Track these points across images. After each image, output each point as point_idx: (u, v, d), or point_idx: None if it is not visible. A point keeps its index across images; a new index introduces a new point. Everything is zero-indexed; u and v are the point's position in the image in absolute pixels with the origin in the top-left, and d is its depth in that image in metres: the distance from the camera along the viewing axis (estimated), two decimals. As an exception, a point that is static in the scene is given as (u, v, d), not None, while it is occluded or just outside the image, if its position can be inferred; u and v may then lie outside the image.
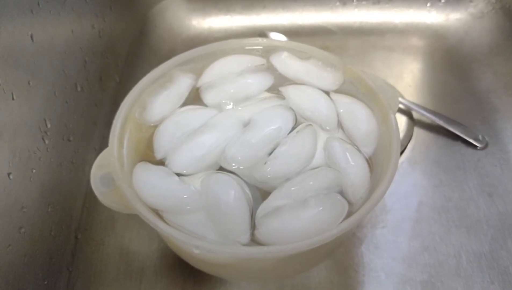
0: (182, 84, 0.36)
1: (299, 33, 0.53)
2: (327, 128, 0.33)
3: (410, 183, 0.40)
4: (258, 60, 0.37)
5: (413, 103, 0.45)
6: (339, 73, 0.36)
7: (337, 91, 0.35)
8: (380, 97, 0.33)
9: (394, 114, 0.32)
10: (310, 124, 0.33)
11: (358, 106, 0.34)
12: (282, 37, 0.52)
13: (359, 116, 0.33)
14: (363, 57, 0.51)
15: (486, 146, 0.42)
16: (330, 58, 0.36)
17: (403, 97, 0.46)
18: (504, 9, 0.51)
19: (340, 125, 0.34)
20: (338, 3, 0.54)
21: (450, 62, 0.50)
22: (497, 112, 0.45)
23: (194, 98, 0.35)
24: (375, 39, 0.53)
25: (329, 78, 0.36)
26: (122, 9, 0.47)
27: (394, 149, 0.29)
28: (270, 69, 0.37)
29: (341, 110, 0.34)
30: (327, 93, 0.35)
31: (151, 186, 0.28)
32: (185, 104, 0.35)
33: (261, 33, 0.52)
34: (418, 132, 0.44)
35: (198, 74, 0.36)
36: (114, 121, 0.31)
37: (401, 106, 0.45)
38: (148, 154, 0.31)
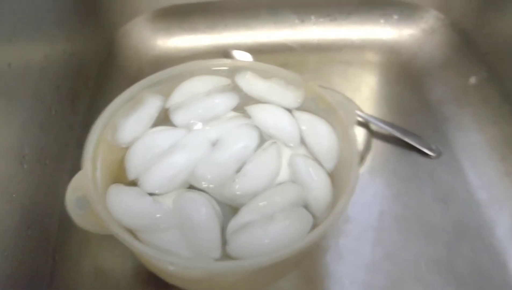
0: (152, 106, 0.37)
1: (261, 50, 0.55)
2: (291, 144, 0.35)
3: (371, 193, 0.43)
4: (224, 81, 0.39)
5: (371, 116, 0.48)
6: (301, 90, 0.38)
7: (299, 108, 0.37)
8: (339, 113, 0.35)
9: (353, 129, 0.34)
10: (275, 142, 0.35)
11: (319, 122, 0.36)
12: (245, 55, 0.54)
13: (320, 132, 0.35)
14: (322, 72, 0.54)
15: (439, 155, 0.45)
16: (292, 77, 0.38)
17: (361, 111, 0.49)
18: (452, 25, 0.54)
19: (303, 141, 0.35)
20: (297, 21, 0.57)
21: (405, 75, 0.53)
22: (449, 122, 0.48)
23: (164, 119, 0.36)
24: (333, 55, 0.56)
25: (291, 96, 0.38)
26: (91, 32, 0.48)
27: (354, 163, 0.31)
28: (235, 89, 0.39)
29: (304, 127, 0.36)
30: (289, 110, 0.37)
31: (124, 206, 0.29)
32: (155, 125, 0.36)
33: (225, 51, 0.54)
34: (376, 143, 0.47)
35: (167, 95, 0.38)
36: (87, 144, 0.32)
37: (360, 119, 0.48)
38: (121, 175, 0.32)
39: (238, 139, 0.35)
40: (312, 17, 0.57)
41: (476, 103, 0.49)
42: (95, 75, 0.47)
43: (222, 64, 0.40)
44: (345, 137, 0.34)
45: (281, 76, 0.39)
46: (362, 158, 0.45)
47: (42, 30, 0.39)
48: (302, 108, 0.37)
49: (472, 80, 0.50)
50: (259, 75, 0.39)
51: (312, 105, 0.37)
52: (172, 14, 0.55)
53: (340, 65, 0.55)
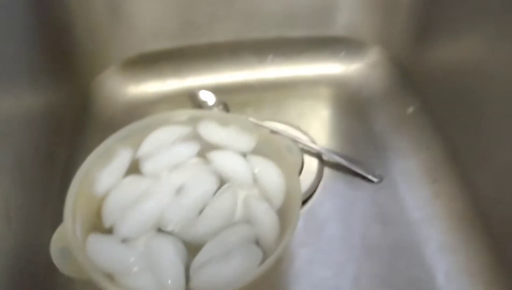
0: (123, 158, 0.42)
1: (224, 90, 0.61)
2: (245, 186, 0.41)
3: (322, 217, 0.49)
4: (186, 130, 0.45)
5: (322, 147, 0.54)
6: (254, 136, 0.44)
7: (252, 152, 0.43)
8: (286, 157, 0.41)
9: (298, 171, 0.41)
10: (231, 185, 0.41)
11: (269, 165, 0.42)
12: (209, 95, 0.60)
13: (270, 174, 0.41)
14: (280, 108, 0.60)
15: (381, 180, 0.52)
16: (246, 124, 0.44)
17: (314, 142, 0.55)
18: (392, 59, 0.61)
19: (255, 182, 0.42)
20: (255, 62, 0.63)
21: (352, 107, 0.60)
22: (390, 150, 0.54)
23: (135, 168, 0.42)
24: (289, 91, 0.62)
25: (245, 142, 0.44)
26: (65, 87, 0.53)
27: (297, 202, 0.37)
28: (196, 136, 0.45)
29: (256, 170, 0.42)
30: (244, 154, 0.43)
31: (103, 254, 0.35)
32: (127, 174, 0.42)
33: (191, 92, 0.60)
34: (327, 171, 0.53)
35: (136, 146, 0.43)
36: (67, 198, 0.37)
37: (313, 148, 0.54)
38: (98, 224, 0.38)
39: (200, 184, 0.41)
40: (269, 58, 0.63)
41: (412, 131, 0.55)
42: (71, 129, 0.52)
43: (185, 114, 0.46)
44: (291, 178, 0.40)
45: (236, 123, 0.45)
46: (314, 185, 0.52)
47: (20, 84, 0.44)
48: (255, 151, 0.43)
49: (410, 109, 0.57)
50: (217, 123, 0.45)
51: (264, 149, 0.43)
52: (141, 62, 0.61)
53: (295, 100, 0.61)
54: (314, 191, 0.51)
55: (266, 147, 0.43)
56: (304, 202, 0.50)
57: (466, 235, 0.46)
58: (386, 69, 0.61)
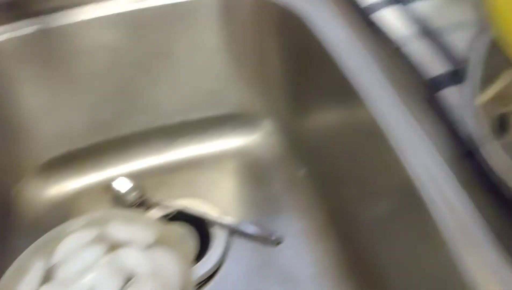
0: (37, 269, 0.48)
1: (139, 175, 0.68)
2: (148, 277, 0.48)
3: (230, 284, 0.56)
4: (94, 232, 0.51)
5: (229, 218, 0.61)
6: (154, 229, 0.51)
7: (153, 244, 0.50)
8: (182, 246, 0.48)
9: (191, 258, 0.47)
10: (134, 277, 0.47)
11: (168, 255, 0.49)
12: (127, 182, 0.67)
13: (169, 264, 0.48)
14: (190, 184, 0.67)
15: (280, 242, 0.59)
16: (147, 219, 0.51)
17: (222, 214, 0.62)
18: (282, 129, 0.70)
19: (155, 272, 0.48)
20: (166, 145, 0.70)
21: (253, 174, 0.67)
22: (286, 212, 0.62)
23: (48, 276, 0.48)
24: (198, 168, 0.69)
25: (147, 236, 0.51)
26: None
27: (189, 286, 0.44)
28: (104, 237, 0.51)
29: (156, 261, 0.49)
30: (146, 247, 0.50)
31: None
32: (43, 283, 0.48)
33: (109, 182, 0.67)
34: (234, 240, 0.60)
35: (49, 255, 0.49)
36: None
37: (221, 220, 0.61)
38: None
39: (107, 284, 0.47)
40: (178, 140, 0.71)
41: (304, 193, 0.63)
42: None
43: (93, 217, 0.52)
44: (185, 264, 0.47)
45: (139, 220, 0.51)
46: (223, 254, 0.58)
47: None
48: (156, 243, 0.50)
49: (301, 173, 0.65)
50: (122, 221, 0.52)
51: (163, 240, 0.50)
52: (58, 164, 0.67)
53: (204, 175, 0.68)
54: (223, 261, 0.58)
55: (166, 238, 0.49)
56: (214, 273, 0.57)
57: (356, 285, 0.54)
58: (278, 138, 0.70)
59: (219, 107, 0.70)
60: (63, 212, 0.66)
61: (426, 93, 0.41)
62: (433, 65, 0.41)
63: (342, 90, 0.46)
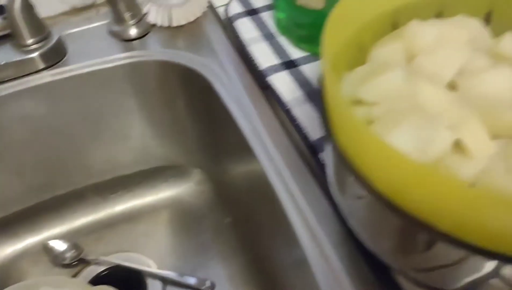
0: None
1: (76, 234, 0.70)
2: None
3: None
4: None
5: (163, 269, 0.64)
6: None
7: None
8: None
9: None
10: None
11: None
12: (61, 243, 0.69)
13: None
14: (126, 240, 0.70)
15: (213, 288, 0.62)
16: (77, 284, 0.54)
17: (157, 266, 0.65)
18: (210, 178, 0.74)
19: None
20: (101, 201, 0.73)
21: (186, 224, 0.71)
22: (216, 259, 0.65)
23: None
24: (133, 221, 0.72)
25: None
26: None
27: None
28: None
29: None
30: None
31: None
32: None
33: (45, 244, 0.69)
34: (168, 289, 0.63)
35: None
36: None
37: (155, 272, 0.63)
38: None
39: None
40: (112, 195, 0.74)
41: (231, 240, 0.67)
42: None
43: (21, 286, 0.54)
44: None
45: (68, 284, 0.54)
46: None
47: None
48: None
49: (227, 220, 0.69)
50: (52, 287, 0.54)
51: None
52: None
53: (140, 229, 0.72)
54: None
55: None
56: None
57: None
58: (207, 187, 0.74)
59: (148, 162, 0.74)
60: (2, 275, 0.68)
61: (308, 154, 0.46)
62: (315, 128, 0.46)
63: (243, 147, 0.50)
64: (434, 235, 0.26)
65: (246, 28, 0.59)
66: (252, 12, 0.62)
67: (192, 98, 0.62)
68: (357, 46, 0.39)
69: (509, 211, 0.23)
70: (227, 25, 0.62)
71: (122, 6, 0.61)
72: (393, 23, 0.40)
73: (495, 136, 0.35)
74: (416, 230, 0.28)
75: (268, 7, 0.61)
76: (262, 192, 0.48)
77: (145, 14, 0.64)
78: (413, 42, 0.37)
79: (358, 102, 0.35)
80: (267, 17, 0.60)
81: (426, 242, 0.28)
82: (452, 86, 0.37)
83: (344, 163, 0.30)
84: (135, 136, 0.68)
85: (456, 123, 0.34)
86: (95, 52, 0.62)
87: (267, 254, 0.59)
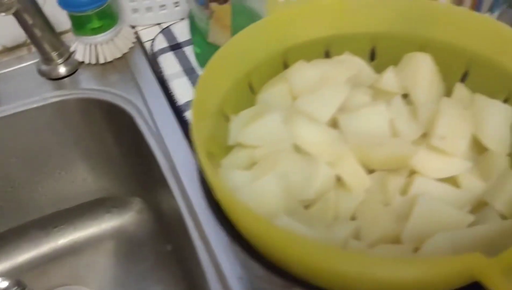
0: None
1: (17, 271, 0.71)
2: None
3: None
4: None
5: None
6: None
7: None
8: None
9: None
10: None
11: None
12: (3, 282, 0.69)
13: None
14: (70, 272, 0.71)
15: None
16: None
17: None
18: (150, 207, 0.75)
19: None
20: (42, 236, 0.74)
21: (129, 253, 0.72)
22: (158, 286, 0.67)
23: None
24: (77, 254, 0.73)
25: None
26: None
27: None
28: None
29: None
30: None
31: None
32: None
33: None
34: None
35: None
36: None
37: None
38: None
39: None
40: (55, 229, 0.74)
41: (171, 267, 0.68)
42: None
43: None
44: None
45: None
46: None
47: None
48: None
49: (168, 248, 0.70)
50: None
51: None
52: None
53: (84, 261, 0.72)
54: None
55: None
56: None
57: None
58: (148, 216, 0.75)
59: (88, 194, 0.75)
60: None
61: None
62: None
63: (163, 181, 0.52)
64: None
65: (169, 63, 0.61)
66: (176, 47, 0.64)
67: (118, 132, 0.63)
68: (249, 86, 0.41)
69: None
70: (153, 60, 0.64)
71: (47, 46, 0.62)
72: (285, 63, 0.43)
73: (371, 170, 0.37)
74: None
75: (191, 41, 0.63)
76: (178, 226, 0.50)
77: (73, 52, 0.65)
78: (296, 84, 0.39)
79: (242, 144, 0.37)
80: (190, 51, 0.62)
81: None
82: (334, 123, 0.39)
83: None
84: (73, 170, 0.69)
85: (335, 159, 0.36)
86: (25, 92, 0.63)
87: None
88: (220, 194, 0.28)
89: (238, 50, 0.38)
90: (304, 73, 0.40)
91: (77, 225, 0.75)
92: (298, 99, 0.38)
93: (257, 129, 0.36)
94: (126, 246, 0.73)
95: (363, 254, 0.23)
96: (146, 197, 0.74)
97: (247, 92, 0.41)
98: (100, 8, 0.61)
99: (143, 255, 0.71)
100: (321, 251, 0.24)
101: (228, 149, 0.38)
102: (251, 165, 0.35)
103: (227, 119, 0.38)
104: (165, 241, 0.72)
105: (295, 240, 0.25)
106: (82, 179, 0.72)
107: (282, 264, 0.29)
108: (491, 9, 0.52)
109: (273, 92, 0.40)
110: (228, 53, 0.37)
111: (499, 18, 0.52)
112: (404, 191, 0.35)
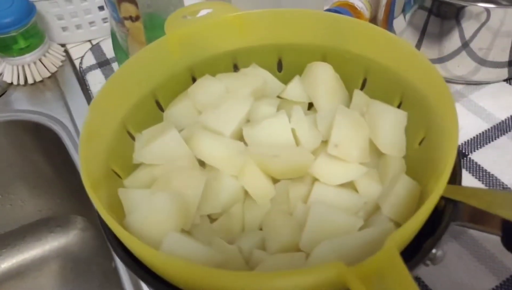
0: None
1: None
2: None
3: None
4: None
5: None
6: None
7: None
8: None
9: None
10: None
11: None
12: None
13: None
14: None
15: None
16: None
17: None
18: (93, 225, 0.74)
19: None
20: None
21: (75, 271, 0.71)
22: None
23: None
24: (22, 277, 0.72)
25: None
26: None
27: None
28: None
29: None
30: None
31: None
32: None
33: None
34: None
35: None
36: None
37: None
38: None
39: None
40: (-2, 252, 0.73)
41: (119, 282, 0.68)
42: None
43: None
44: None
45: None
46: None
47: None
48: None
49: (114, 264, 0.70)
50: None
51: None
52: None
53: (29, 283, 0.71)
54: None
55: None
56: None
57: None
58: (92, 233, 0.74)
59: (31, 215, 0.74)
60: None
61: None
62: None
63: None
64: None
65: (96, 80, 0.61)
66: (104, 63, 0.63)
67: (48, 152, 0.63)
68: (156, 103, 0.42)
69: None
70: (82, 78, 0.64)
71: (-28, 69, 0.61)
72: (193, 78, 0.43)
73: (275, 180, 0.38)
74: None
75: (119, 57, 0.63)
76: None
77: (0, 74, 0.64)
78: (199, 99, 0.40)
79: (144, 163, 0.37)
80: (118, 67, 0.62)
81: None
82: (240, 136, 0.39)
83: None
84: (9, 193, 0.69)
85: (239, 172, 0.37)
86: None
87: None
88: (105, 220, 0.28)
89: (139, 68, 0.38)
90: (208, 87, 0.40)
91: (20, 247, 0.75)
92: (202, 114, 0.39)
93: (157, 147, 0.36)
94: (72, 265, 0.73)
95: (224, 271, 0.24)
96: (89, 215, 0.74)
97: (155, 109, 0.41)
98: (25, 28, 0.61)
99: (91, 273, 0.71)
100: (189, 270, 0.25)
101: (136, 167, 0.38)
102: (152, 184, 0.35)
103: (133, 137, 0.39)
104: (112, 258, 0.71)
105: (167, 261, 0.26)
106: (20, 201, 0.71)
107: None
108: (403, 10, 0.54)
109: (179, 108, 0.40)
110: (127, 72, 0.37)
111: (411, 18, 0.53)
112: (305, 199, 0.36)
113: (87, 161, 0.31)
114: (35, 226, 0.75)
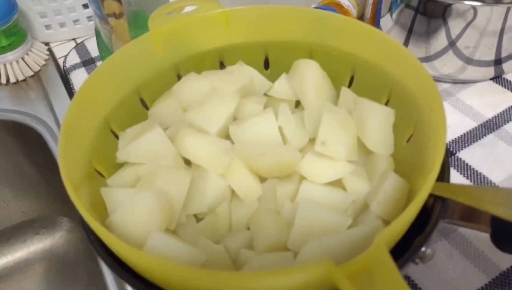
0: None
1: None
2: None
3: None
4: None
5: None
6: None
7: None
8: None
9: None
10: None
11: None
12: None
13: None
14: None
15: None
16: None
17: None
18: (80, 225, 0.73)
19: None
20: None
21: (62, 273, 0.70)
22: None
23: None
24: (7, 279, 0.70)
25: None
26: None
27: None
28: None
29: None
30: None
31: None
32: None
33: None
34: None
35: None
36: None
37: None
38: None
39: None
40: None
41: (106, 284, 0.67)
42: None
43: None
44: None
45: None
46: None
47: None
48: None
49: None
50: None
51: None
52: None
53: (15, 286, 0.70)
54: None
55: None
56: None
57: None
58: (78, 234, 0.73)
59: (15, 216, 0.73)
60: None
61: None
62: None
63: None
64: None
65: (80, 79, 0.60)
66: (89, 62, 0.62)
67: (31, 152, 0.62)
68: (141, 101, 0.41)
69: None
70: (65, 77, 0.63)
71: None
72: (178, 76, 0.42)
73: (262, 178, 0.38)
74: None
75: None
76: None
77: (-18, 73, 0.63)
78: (184, 96, 0.39)
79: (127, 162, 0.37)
80: (103, 65, 0.61)
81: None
82: (226, 134, 0.39)
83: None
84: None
85: (225, 170, 0.36)
86: None
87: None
88: (85, 219, 0.28)
89: (122, 64, 0.37)
90: (192, 85, 0.40)
91: (4, 250, 0.73)
92: (187, 112, 0.38)
93: (141, 145, 0.35)
94: (58, 267, 0.72)
95: (209, 271, 0.23)
96: (75, 216, 0.72)
97: (139, 107, 0.40)
98: (6, 25, 0.59)
99: (77, 275, 0.69)
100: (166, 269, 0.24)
101: (120, 167, 0.38)
102: (136, 183, 0.35)
103: (116, 136, 0.38)
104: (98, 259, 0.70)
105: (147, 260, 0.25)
106: (4, 202, 0.70)
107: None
108: (390, 9, 0.54)
109: (163, 106, 0.40)
110: (110, 69, 0.36)
111: (398, 17, 0.53)
112: (293, 198, 0.35)
113: (67, 160, 0.30)
114: (20, 228, 0.73)
